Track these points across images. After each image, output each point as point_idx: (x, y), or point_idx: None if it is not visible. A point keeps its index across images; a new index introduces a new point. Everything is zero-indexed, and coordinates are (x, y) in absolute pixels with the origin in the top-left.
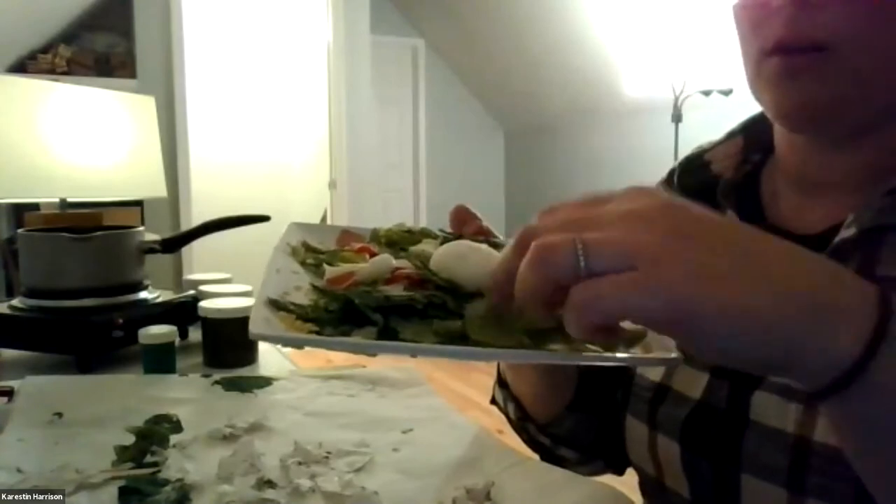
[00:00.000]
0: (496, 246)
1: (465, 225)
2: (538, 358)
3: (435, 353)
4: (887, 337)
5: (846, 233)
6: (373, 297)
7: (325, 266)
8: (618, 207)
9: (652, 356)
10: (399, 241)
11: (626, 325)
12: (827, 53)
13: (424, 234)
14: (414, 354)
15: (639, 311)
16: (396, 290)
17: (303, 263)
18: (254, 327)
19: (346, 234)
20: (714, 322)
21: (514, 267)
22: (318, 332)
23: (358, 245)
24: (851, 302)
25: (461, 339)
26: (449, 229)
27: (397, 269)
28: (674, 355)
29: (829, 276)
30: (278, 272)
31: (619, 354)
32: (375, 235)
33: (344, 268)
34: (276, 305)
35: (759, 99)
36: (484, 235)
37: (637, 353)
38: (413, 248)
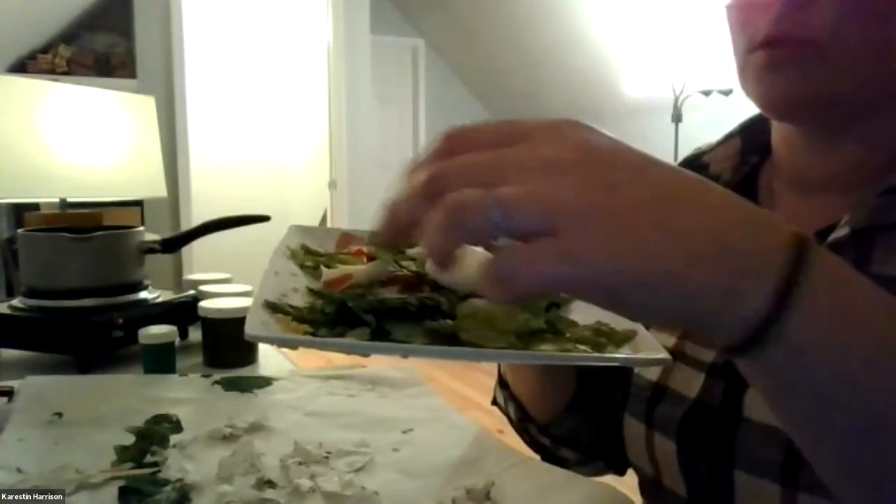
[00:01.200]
0: (494, 248)
1: None
2: (527, 358)
3: (425, 353)
4: (798, 290)
5: (839, 232)
6: (366, 300)
7: (323, 268)
8: (536, 153)
9: (641, 357)
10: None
11: (616, 323)
12: (812, 47)
13: None
14: (405, 355)
15: (557, 283)
16: (391, 293)
17: (301, 266)
18: (250, 329)
19: (346, 237)
20: (632, 289)
21: (413, 213)
22: (312, 334)
23: (355, 248)
24: (765, 253)
25: (452, 339)
26: None
27: (393, 272)
28: (662, 355)
29: (746, 225)
30: (276, 274)
31: (608, 355)
32: (374, 238)
33: (341, 270)
34: (272, 307)
35: (747, 93)
36: None
37: (626, 353)
38: (410, 251)
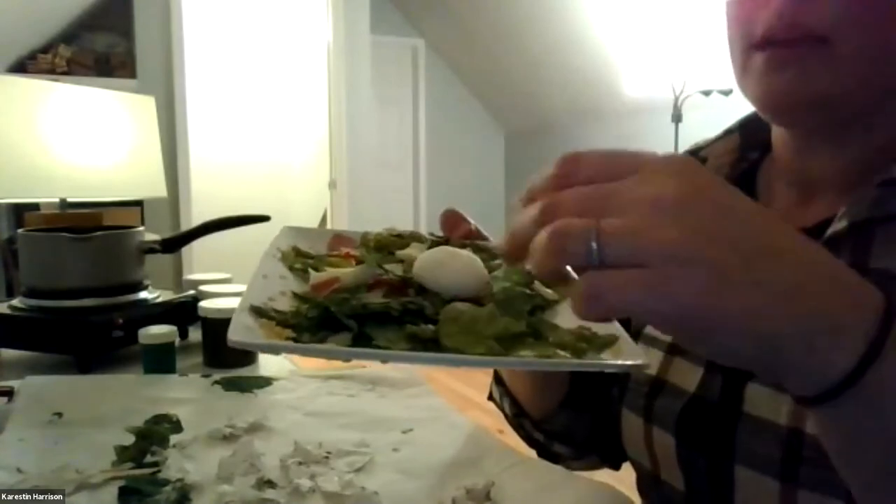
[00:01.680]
0: (483, 250)
1: (454, 228)
2: (506, 364)
3: (403, 359)
4: (882, 355)
5: (837, 225)
6: (349, 305)
7: (311, 272)
8: (643, 190)
9: (619, 363)
10: (387, 244)
11: (598, 329)
12: (813, 45)
13: (414, 237)
14: (385, 360)
15: (642, 311)
16: (375, 298)
17: (291, 268)
18: (233, 334)
19: (337, 238)
20: (714, 331)
21: (529, 235)
22: (295, 339)
23: (345, 251)
24: (854, 316)
25: (433, 344)
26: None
27: (379, 275)
28: (640, 361)
29: (837, 283)
30: (265, 278)
31: (586, 361)
32: (365, 239)
33: (328, 273)
34: (258, 312)
35: (745, 94)
36: (472, 239)
37: (605, 358)
38: (400, 253)
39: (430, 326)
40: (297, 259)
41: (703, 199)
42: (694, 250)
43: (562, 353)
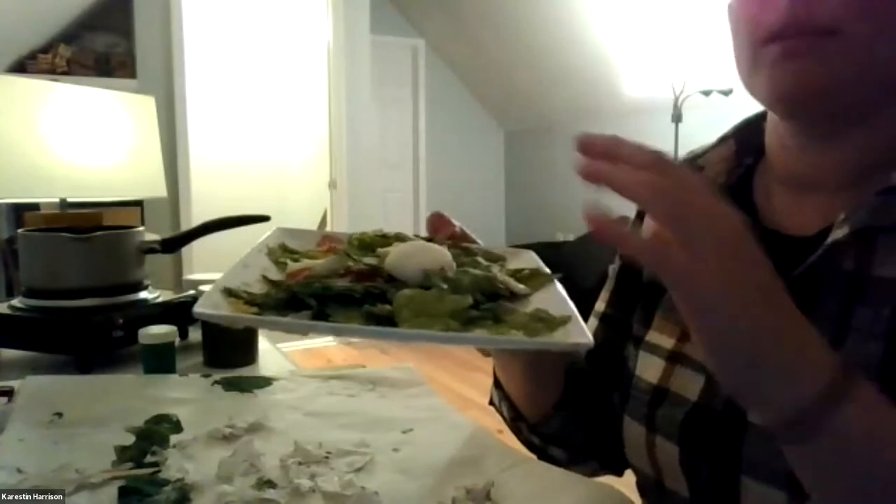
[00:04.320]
0: (461, 249)
1: (439, 230)
2: (456, 340)
3: (356, 332)
4: (837, 403)
5: (839, 233)
6: (313, 287)
7: (289, 262)
8: (706, 226)
9: (563, 342)
10: (371, 244)
11: (553, 310)
12: (826, 37)
13: (398, 238)
14: (338, 334)
15: (653, 265)
16: (342, 283)
17: (276, 262)
18: (199, 307)
19: (326, 238)
20: (713, 338)
21: (636, 237)
22: (258, 315)
23: (329, 245)
24: (813, 367)
25: (389, 322)
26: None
27: (351, 266)
28: (583, 340)
29: (809, 344)
30: (245, 266)
31: (532, 340)
32: (350, 239)
33: (303, 263)
34: (228, 292)
35: (753, 89)
36: (456, 240)
37: (557, 338)
38: (381, 250)
39: (388, 306)
40: (284, 254)
41: (739, 244)
42: (725, 272)
43: (515, 332)
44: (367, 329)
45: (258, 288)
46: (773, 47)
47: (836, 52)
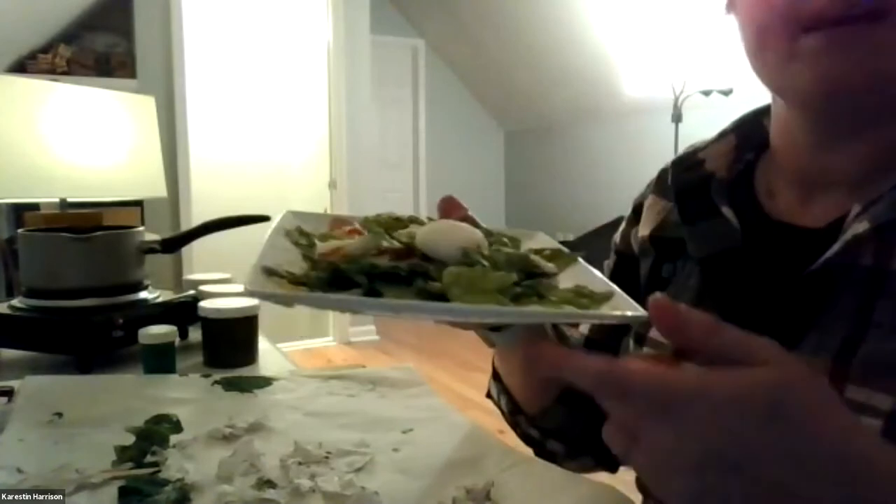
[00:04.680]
0: (485, 231)
1: (451, 213)
2: (518, 316)
3: (416, 309)
4: None
5: (859, 227)
6: (359, 265)
7: (318, 242)
8: (699, 432)
9: (617, 313)
10: (389, 226)
11: (595, 286)
12: (874, 21)
13: (413, 220)
14: (397, 312)
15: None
16: (382, 261)
17: (296, 244)
18: (249, 284)
19: (338, 221)
20: None
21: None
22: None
23: (349, 228)
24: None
25: (441, 299)
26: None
27: (384, 246)
28: (639, 313)
29: None
30: (273, 248)
31: (589, 312)
32: (366, 221)
33: (334, 243)
34: (269, 272)
35: (788, 84)
36: (467, 223)
37: (604, 311)
38: (400, 231)
39: (438, 283)
40: (302, 237)
41: (744, 441)
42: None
43: (566, 307)
44: (429, 305)
45: (298, 268)
46: (815, 35)
47: (886, 41)
